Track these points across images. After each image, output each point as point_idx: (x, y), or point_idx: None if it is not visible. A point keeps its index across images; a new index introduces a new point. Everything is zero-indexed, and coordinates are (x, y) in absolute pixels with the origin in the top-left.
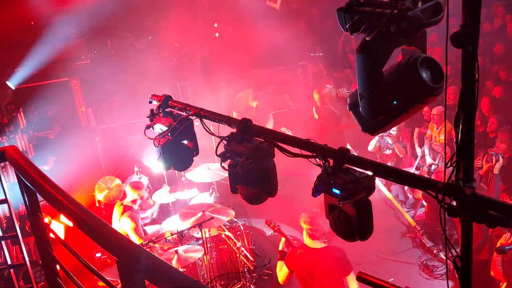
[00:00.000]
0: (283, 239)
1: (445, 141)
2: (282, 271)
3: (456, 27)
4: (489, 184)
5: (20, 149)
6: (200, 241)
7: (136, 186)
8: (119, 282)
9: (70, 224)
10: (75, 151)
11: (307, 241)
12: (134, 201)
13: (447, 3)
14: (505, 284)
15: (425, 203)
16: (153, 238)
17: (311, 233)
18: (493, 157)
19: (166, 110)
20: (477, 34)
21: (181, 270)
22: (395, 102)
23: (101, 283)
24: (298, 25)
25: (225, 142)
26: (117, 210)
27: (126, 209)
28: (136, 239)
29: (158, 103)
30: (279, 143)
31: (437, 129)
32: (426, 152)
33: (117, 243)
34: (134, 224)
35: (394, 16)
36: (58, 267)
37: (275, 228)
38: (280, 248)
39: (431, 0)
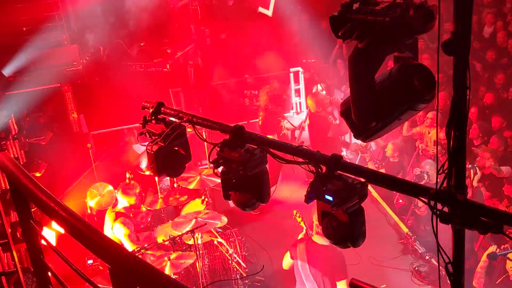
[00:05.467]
0: (304, 231)
1: (437, 147)
2: (286, 259)
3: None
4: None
5: (12, 156)
6: (193, 248)
7: (127, 192)
8: None
9: (62, 231)
10: (67, 158)
11: (314, 236)
12: (125, 208)
13: (439, 11)
14: None
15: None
16: (145, 245)
17: (318, 230)
18: (471, 170)
19: (159, 116)
20: (469, 42)
21: (174, 277)
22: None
23: None
24: (291, 31)
25: (218, 149)
26: (108, 218)
27: (118, 215)
28: (129, 246)
29: (151, 110)
30: (271, 150)
31: (429, 133)
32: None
33: (109, 250)
34: (128, 231)
35: (386, 24)
36: (49, 274)
37: (300, 219)
38: (298, 238)
39: (423, 8)
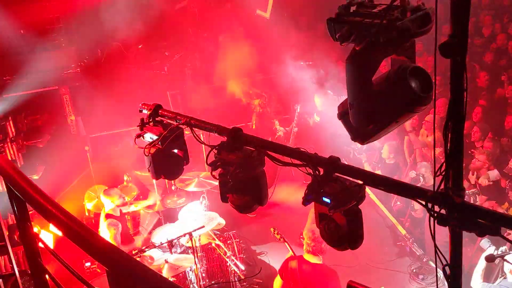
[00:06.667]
0: (290, 252)
1: (434, 149)
2: (276, 281)
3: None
4: None
5: (9, 158)
6: (190, 250)
7: (108, 193)
8: None
9: (60, 233)
10: (65, 160)
11: (305, 254)
12: (114, 209)
13: (436, 14)
14: None
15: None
16: (143, 247)
17: (309, 249)
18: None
19: (157, 119)
20: (466, 44)
21: (172, 279)
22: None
23: None
24: (288, 33)
25: (216, 151)
26: (102, 220)
27: (107, 217)
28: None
29: (149, 112)
30: (269, 152)
31: (427, 136)
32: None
33: (107, 252)
34: (113, 232)
35: (383, 26)
36: (47, 277)
37: (279, 237)
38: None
39: (420, 11)
